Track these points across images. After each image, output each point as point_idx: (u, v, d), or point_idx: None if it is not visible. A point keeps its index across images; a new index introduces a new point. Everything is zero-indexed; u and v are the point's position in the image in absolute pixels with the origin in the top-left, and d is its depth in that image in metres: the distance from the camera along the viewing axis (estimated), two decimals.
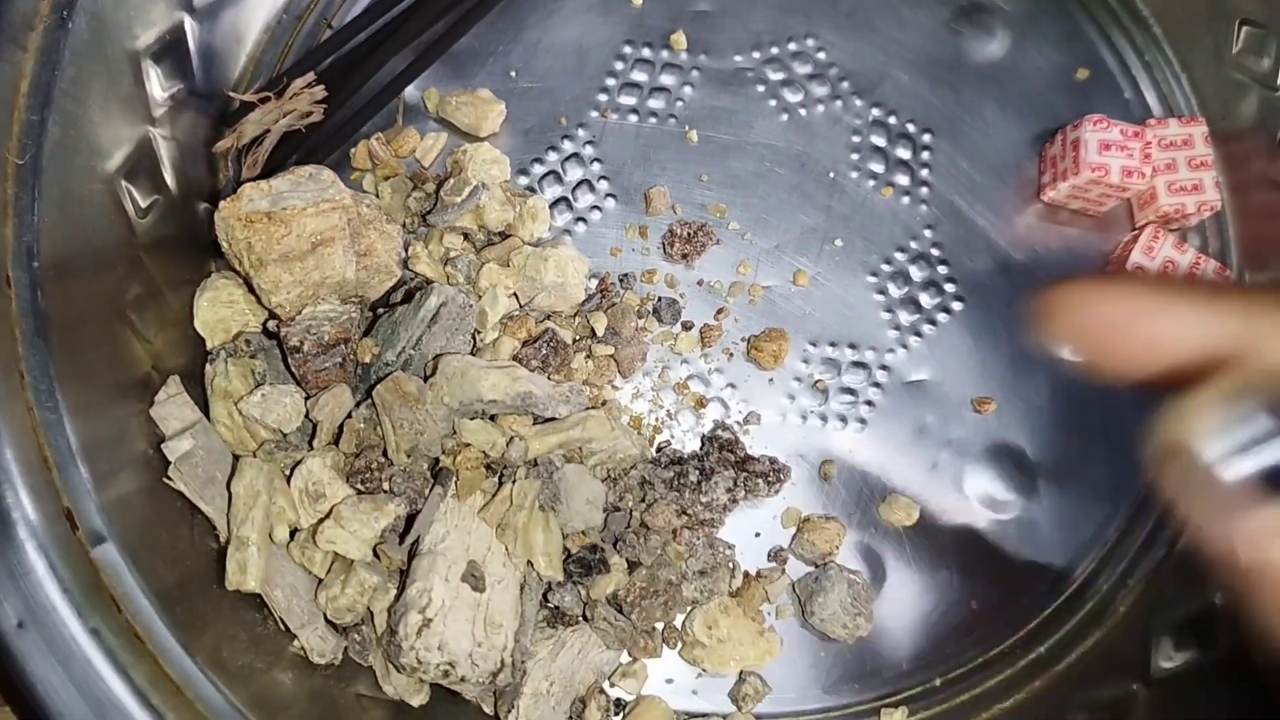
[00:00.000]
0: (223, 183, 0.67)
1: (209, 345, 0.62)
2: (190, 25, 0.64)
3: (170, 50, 0.63)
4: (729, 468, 0.63)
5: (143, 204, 0.61)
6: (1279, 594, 0.31)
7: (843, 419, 0.68)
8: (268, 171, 0.65)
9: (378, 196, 0.67)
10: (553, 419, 0.60)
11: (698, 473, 0.62)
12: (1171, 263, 0.67)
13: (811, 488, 0.67)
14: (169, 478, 0.56)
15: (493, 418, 0.60)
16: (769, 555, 0.65)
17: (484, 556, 0.57)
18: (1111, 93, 0.74)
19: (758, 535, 0.66)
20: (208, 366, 0.61)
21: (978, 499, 0.68)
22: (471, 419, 0.59)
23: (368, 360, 0.59)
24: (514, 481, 0.58)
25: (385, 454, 0.58)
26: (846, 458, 0.67)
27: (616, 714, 0.62)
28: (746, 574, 0.64)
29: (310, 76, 0.65)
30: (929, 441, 0.68)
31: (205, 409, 0.60)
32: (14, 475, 0.50)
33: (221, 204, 0.58)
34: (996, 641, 0.66)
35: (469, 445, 0.59)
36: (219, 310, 0.61)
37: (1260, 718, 0.56)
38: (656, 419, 0.67)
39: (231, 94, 0.66)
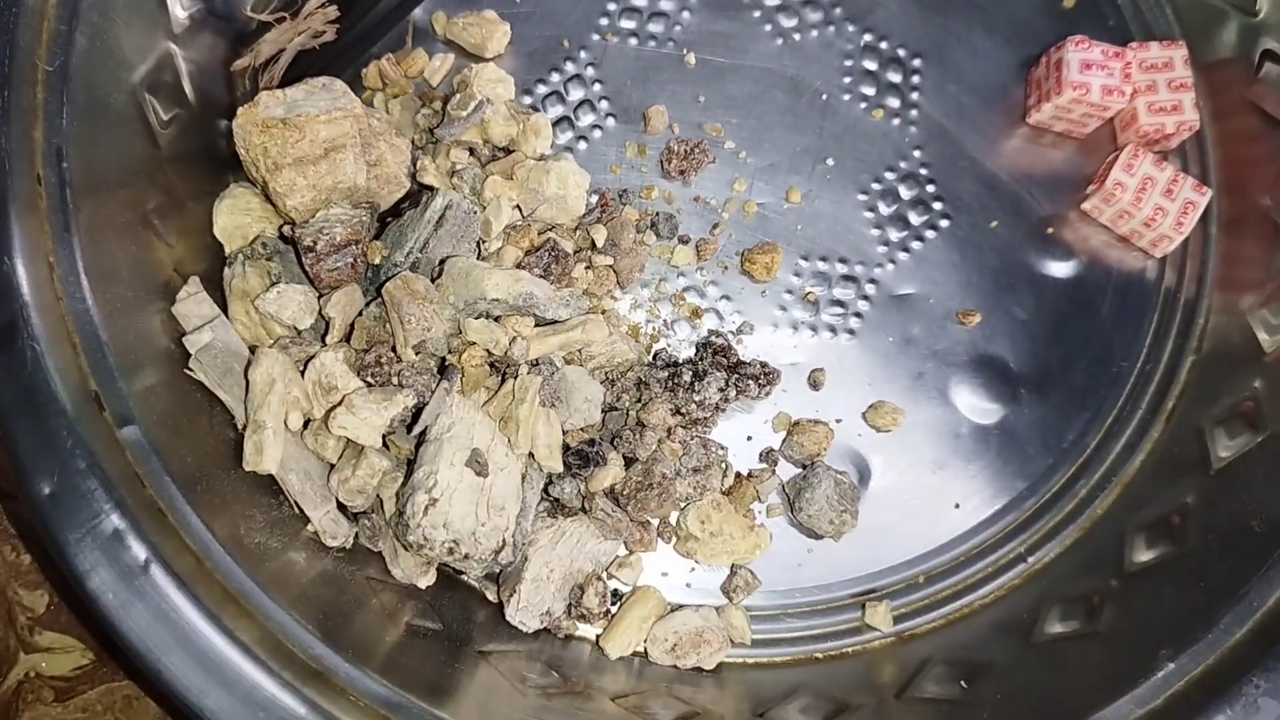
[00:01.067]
0: (240, 100, 0.70)
1: (227, 251, 0.65)
2: None
3: None
4: (721, 370, 0.66)
5: (164, 117, 0.64)
6: None
7: (832, 329, 0.71)
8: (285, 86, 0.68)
9: (388, 114, 0.70)
10: (554, 321, 0.63)
11: (691, 374, 0.65)
12: (1150, 179, 0.70)
13: (802, 394, 0.70)
14: (189, 368, 0.59)
15: (496, 319, 0.63)
16: (760, 457, 0.69)
17: (488, 446, 0.60)
18: (1096, 19, 0.76)
19: (749, 439, 0.69)
20: (226, 269, 0.64)
21: (962, 406, 0.70)
22: (476, 318, 0.62)
23: (377, 262, 0.62)
24: (515, 377, 0.61)
25: (394, 350, 0.61)
26: (836, 366, 0.70)
27: (613, 602, 0.65)
28: (738, 474, 0.67)
29: None
30: (915, 351, 0.71)
31: (224, 311, 0.63)
32: (45, 356, 0.53)
33: (240, 110, 0.61)
34: (977, 540, 0.69)
35: (474, 344, 0.62)
36: (237, 217, 0.65)
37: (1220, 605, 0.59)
38: (654, 328, 0.70)
39: (249, 14, 0.69)
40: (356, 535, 0.62)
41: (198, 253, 0.65)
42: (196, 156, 0.66)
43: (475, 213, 0.64)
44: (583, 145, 0.72)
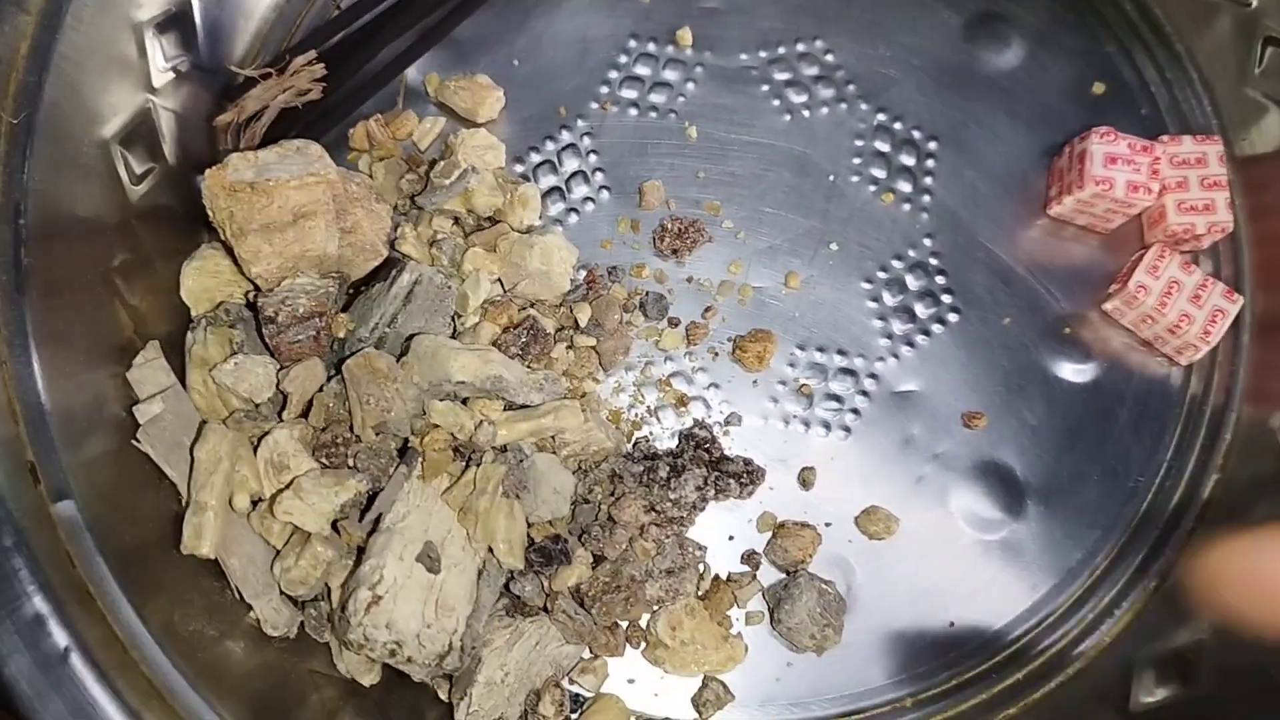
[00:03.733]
0: (221, 156, 0.67)
1: (193, 314, 0.62)
2: None
3: (176, 22, 0.64)
4: (702, 466, 0.61)
5: (138, 171, 0.61)
6: None
7: (826, 426, 0.66)
8: (263, 146, 0.65)
9: (371, 177, 0.67)
10: (525, 406, 0.60)
11: (668, 469, 0.61)
12: (1176, 283, 0.65)
13: (790, 494, 0.65)
14: (137, 439, 0.56)
15: (464, 401, 0.59)
16: (742, 559, 0.64)
17: (443, 539, 0.56)
18: (1128, 108, 0.72)
19: (731, 538, 0.65)
20: (188, 334, 0.61)
21: (962, 516, 0.66)
22: (441, 400, 0.58)
23: (342, 335, 0.59)
24: (478, 465, 0.58)
25: (352, 430, 0.58)
26: (828, 465, 0.66)
27: (573, 710, 0.61)
28: (716, 577, 0.63)
29: (311, 54, 0.66)
30: (915, 454, 0.66)
31: (184, 377, 0.60)
32: None
33: (208, 172, 0.58)
34: (972, 663, 0.64)
35: (437, 426, 0.58)
36: (205, 280, 0.62)
37: None
38: (636, 414, 0.66)
39: (234, 69, 0.67)
40: (302, 624, 0.59)
41: (163, 314, 0.62)
42: (169, 213, 0.64)
43: (449, 287, 0.61)
44: (574, 218, 0.69)
